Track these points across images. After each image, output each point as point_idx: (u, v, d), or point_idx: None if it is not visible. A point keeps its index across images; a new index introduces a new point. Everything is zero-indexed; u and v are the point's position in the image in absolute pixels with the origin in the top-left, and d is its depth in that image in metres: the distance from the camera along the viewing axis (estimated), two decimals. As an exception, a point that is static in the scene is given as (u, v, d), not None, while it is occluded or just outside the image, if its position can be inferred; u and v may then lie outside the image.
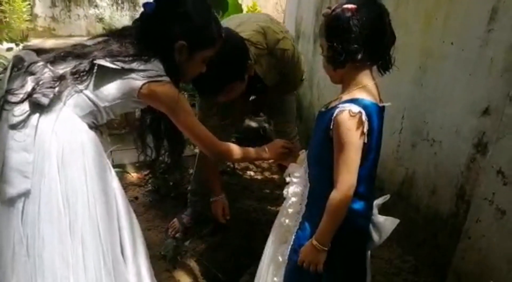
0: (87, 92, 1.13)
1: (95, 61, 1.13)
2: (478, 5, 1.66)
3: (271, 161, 2.12)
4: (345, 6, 1.12)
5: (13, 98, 1.07)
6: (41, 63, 1.14)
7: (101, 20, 7.68)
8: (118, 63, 1.14)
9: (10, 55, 2.40)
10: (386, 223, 1.24)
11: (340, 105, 1.12)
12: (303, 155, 1.36)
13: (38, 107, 1.07)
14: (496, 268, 1.60)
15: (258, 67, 1.77)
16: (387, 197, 1.26)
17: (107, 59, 1.14)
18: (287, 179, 1.35)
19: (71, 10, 7.81)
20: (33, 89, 1.07)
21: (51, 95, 1.07)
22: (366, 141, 1.11)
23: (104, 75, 1.14)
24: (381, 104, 1.17)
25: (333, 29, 1.15)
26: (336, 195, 1.13)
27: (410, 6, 2.06)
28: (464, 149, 1.76)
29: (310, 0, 3.35)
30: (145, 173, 2.70)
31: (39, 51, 1.19)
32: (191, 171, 2.63)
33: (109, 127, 3.66)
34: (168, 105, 1.20)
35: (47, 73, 1.11)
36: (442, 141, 1.89)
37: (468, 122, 1.73)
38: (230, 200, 2.54)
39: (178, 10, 1.22)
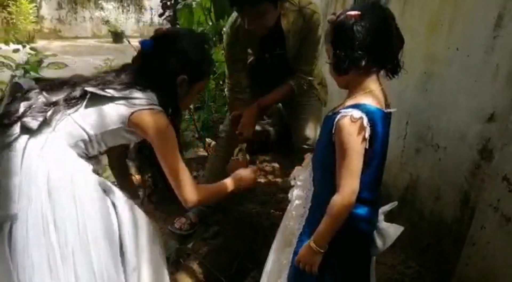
0: (76, 117, 1.14)
1: (86, 88, 1.15)
2: (483, 11, 1.66)
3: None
4: (349, 13, 1.12)
5: (5, 121, 1.09)
6: (37, 90, 1.17)
7: (106, 22, 7.74)
8: (109, 91, 1.16)
9: (16, 56, 2.41)
10: (390, 230, 1.23)
11: (343, 110, 1.12)
12: (308, 158, 1.36)
13: (27, 131, 1.08)
14: (500, 275, 1.59)
15: (285, 22, 1.78)
16: (395, 203, 1.25)
17: (100, 87, 1.16)
18: (292, 182, 1.35)
19: (77, 12, 7.89)
20: (24, 112, 1.09)
21: (41, 119, 1.09)
22: (368, 147, 1.11)
23: (95, 102, 1.16)
24: (386, 110, 1.17)
25: (337, 36, 1.15)
26: (337, 200, 1.13)
27: (415, 11, 2.07)
28: (469, 155, 1.76)
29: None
30: (149, 174, 2.70)
31: (38, 80, 1.24)
32: (194, 173, 2.64)
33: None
34: (155, 134, 1.18)
35: (40, 99, 1.14)
36: (446, 146, 1.89)
37: (473, 128, 1.73)
38: (233, 203, 2.55)
39: (176, 46, 1.27)
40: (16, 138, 1.08)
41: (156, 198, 2.50)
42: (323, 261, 1.20)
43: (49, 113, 1.10)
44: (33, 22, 6.95)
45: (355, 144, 1.10)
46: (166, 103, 1.23)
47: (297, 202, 1.30)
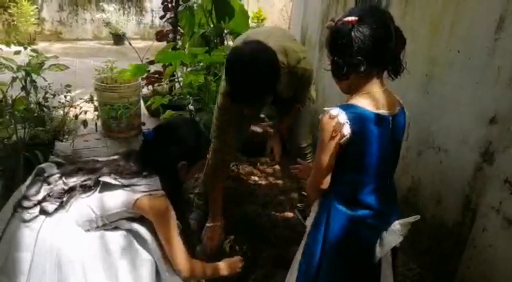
0: (88, 201, 1.31)
1: (100, 178, 1.33)
2: (485, 14, 1.66)
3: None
4: (346, 19, 1.11)
5: (26, 203, 1.28)
6: (57, 175, 1.36)
7: (108, 24, 7.74)
8: (120, 180, 1.33)
9: (18, 58, 2.41)
10: (389, 238, 1.22)
11: (327, 108, 1.15)
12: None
13: (44, 213, 1.27)
14: (502, 278, 1.58)
15: (278, 84, 1.79)
16: (417, 217, 1.23)
17: (112, 175, 1.34)
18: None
19: (78, 14, 7.88)
20: (44, 198, 1.28)
21: (57, 204, 1.28)
22: (348, 144, 1.13)
23: (106, 189, 1.33)
24: (377, 112, 1.15)
25: (334, 43, 1.15)
26: (308, 181, 1.30)
27: (416, 14, 2.07)
28: (470, 157, 1.75)
29: (316, 7, 3.37)
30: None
31: (59, 164, 1.42)
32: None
33: (116, 131, 3.67)
34: (154, 217, 1.35)
35: (60, 185, 1.32)
36: (448, 149, 1.89)
37: (475, 131, 1.73)
38: (234, 204, 2.55)
39: (175, 136, 1.46)
40: (34, 218, 1.26)
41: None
42: (321, 259, 1.24)
43: (65, 198, 1.29)
44: (34, 24, 6.94)
45: (325, 138, 1.15)
46: (168, 186, 1.41)
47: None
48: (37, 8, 7.07)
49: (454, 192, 1.85)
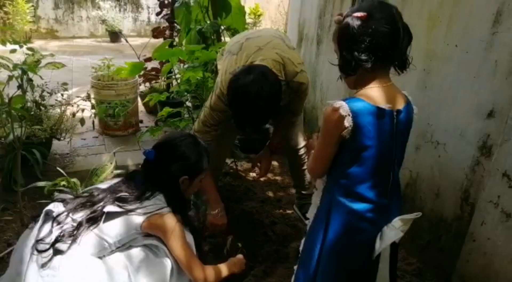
0: (97, 231, 1.37)
1: (104, 210, 1.39)
2: (482, 8, 1.66)
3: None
4: (355, 14, 1.11)
5: (41, 247, 1.34)
6: (65, 213, 1.42)
7: (104, 21, 7.70)
8: (124, 206, 1.39)
9: (14, 56, 2.39)
10: (388, 233, 1.21)
11: (330, 101, 1.17)
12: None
13: (59, 252, 1.33)
14: (501, 271, 1.59)
15: None
16: (419, 214, 1.22)
17: (116, 203, 1.40)
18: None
19: (74, 12, 7.84)
20: (57, 239, 1.35)
21: (69, 242, 1.34)
22: (349, 137, 1.13)
23: (112, 216, 1.39)
24: (379, 106, 1.15)
25: (343, 38, 1.15)
26: (307, 165, 1.36)
27: (414, 8, 2.06)
28: (468, 151, 1.76)
29: (313, 2, 3.35)
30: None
31: (64, 201, 1.49)
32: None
33: (113, 129, 3.66)
34: (164, 234, 1.41)
35: (69, 223, 1.39)
36: (446, 143, 1.89)
37: (473, 125, 1.73)
38: (233, 201, 2.55)
39: (175, 153, 1.50)
40: (51, 259, 1.32)
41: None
42: (321, 251, 1.26)
43: (76, 234, 1.35)
44: (30, 22, 6.90)
45: (325, 130, 1.18)
46: (173, 200, 1.47)
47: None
48: (32, 6, 7.02)
49: (453, 186, 1.86)
